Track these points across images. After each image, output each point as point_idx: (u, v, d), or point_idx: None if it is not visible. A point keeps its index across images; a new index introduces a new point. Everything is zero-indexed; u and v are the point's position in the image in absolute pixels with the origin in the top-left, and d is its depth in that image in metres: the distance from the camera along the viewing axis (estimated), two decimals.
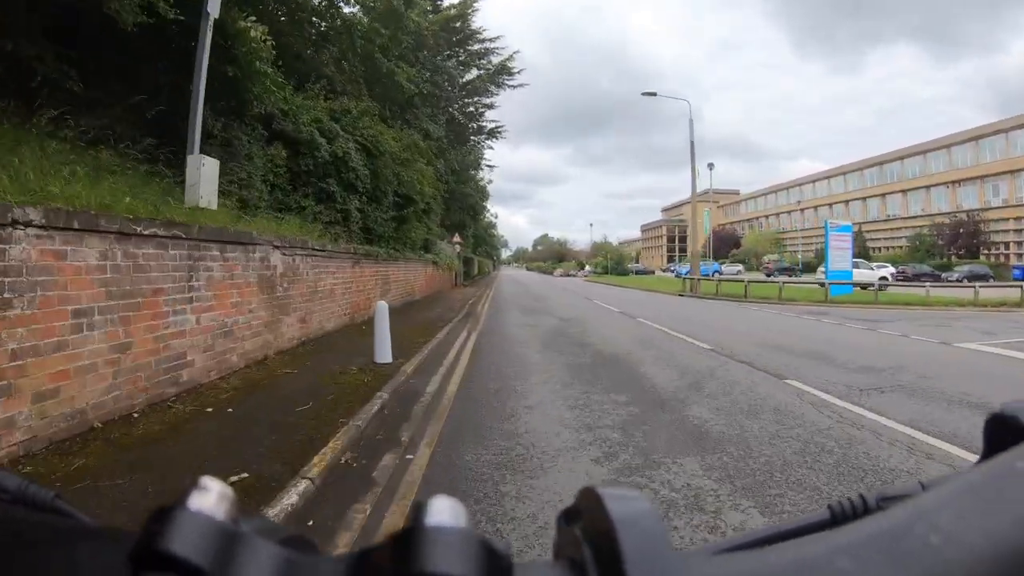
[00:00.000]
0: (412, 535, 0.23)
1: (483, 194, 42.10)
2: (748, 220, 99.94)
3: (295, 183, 11.27)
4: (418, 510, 0.25)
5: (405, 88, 19.26)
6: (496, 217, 72.14)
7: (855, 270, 34.48)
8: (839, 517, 0.41)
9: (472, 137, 32.12)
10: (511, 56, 28.88)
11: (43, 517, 0.40)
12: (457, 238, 31.82)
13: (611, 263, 69.30)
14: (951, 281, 33.13)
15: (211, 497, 0.25)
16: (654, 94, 27.93)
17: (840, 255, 23.73)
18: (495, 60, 29.19)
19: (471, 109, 30.77)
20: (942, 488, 0.28)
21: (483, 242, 69.98)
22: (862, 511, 0.41)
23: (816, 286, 23.55)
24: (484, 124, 31.36)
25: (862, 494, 0.41)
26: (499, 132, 31.96)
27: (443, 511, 0.24)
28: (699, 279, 25.86)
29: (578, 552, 0.26)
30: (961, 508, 0.26)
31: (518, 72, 29.32)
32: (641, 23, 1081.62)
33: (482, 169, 40.54)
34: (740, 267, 68.47)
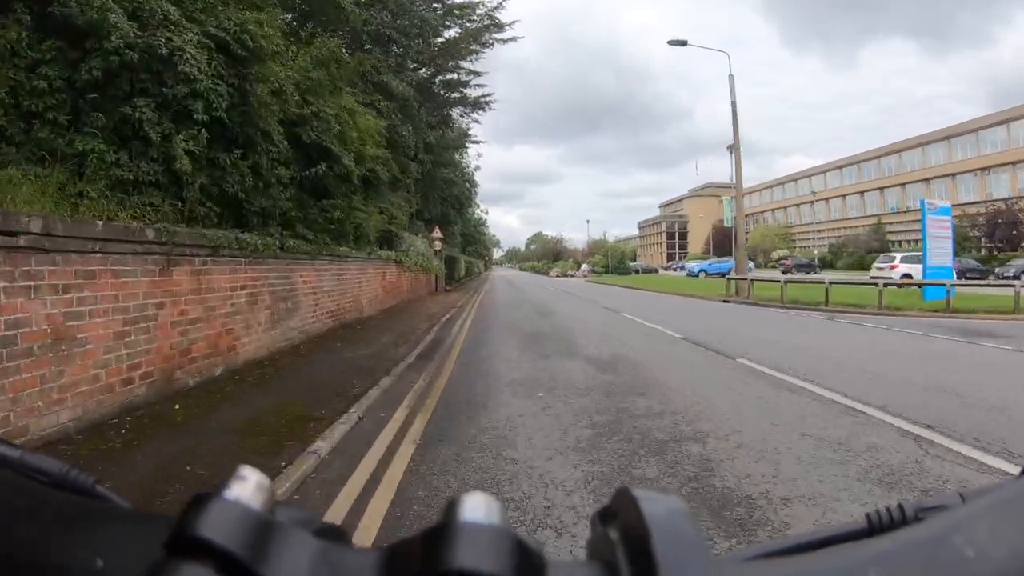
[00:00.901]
0: (446, 531, 0.23)
1: (470, 183, 35.96)
2: (751, 214, 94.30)
3: (79, 108, 5.33)
4: (452, 506, 0.25)
5: (347, 10, 13.11)
6: (487, 213, 66.05)
7: (916, 265, 28.76)
8: (876, 527, 0.40)
9: (452, 110, 25.99)
10: (500, 4, 22.80)
11: (82, 500, 0.41)
12: (438, 233, 25.75)
13: (613, 262, 63.31)
14: (1007, 277, 27.11)
15: (249, 487, 0.25)
16: (684, 43, 21.88)
17: (940, 246, 17.76)
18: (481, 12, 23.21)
19: (452, 76, 24.68)
20: (980, 501, 0.28)
21: (473, 240, 63.71)
22: (900, 521, 0.40)
23: (899, 288, 17.52)
24: (468, 92, 25.25)
25: (901, 504, 0.40)
26: (486, 102, 25.83)
27: (478, 508, 0.24)
28: (750, 280, 19.71)
29: (612, 554, 0.25)
30: (998, 523, 0.26)
31: (509, 25, 23.27)
32: (635, 20, 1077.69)
33: (467, 152, 34.47)
34: (751, 264, 62.83)
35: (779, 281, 17.89)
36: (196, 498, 0.24)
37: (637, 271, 64.92)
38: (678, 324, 11.93)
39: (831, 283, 16.87)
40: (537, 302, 20.27)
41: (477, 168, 37.23)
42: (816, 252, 69.09)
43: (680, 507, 0.25)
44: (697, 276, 45.51)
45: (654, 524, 0.24)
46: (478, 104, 25.86)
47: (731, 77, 21.15)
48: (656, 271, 68.59)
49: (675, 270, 76.22)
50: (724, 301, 19.25)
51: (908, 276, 25.76)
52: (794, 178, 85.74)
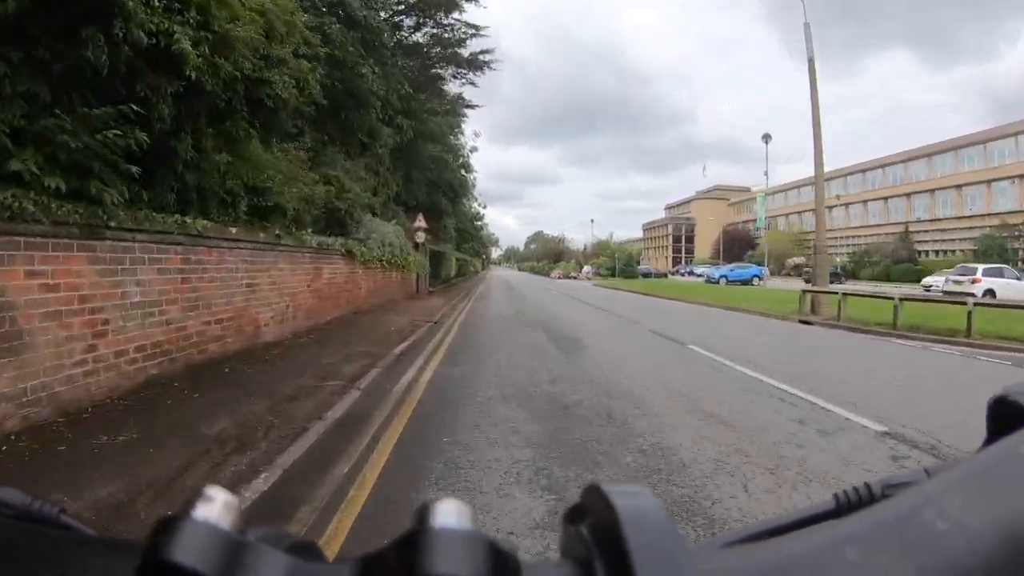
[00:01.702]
0: (418, 538, 0.23)
1: (465, 168, 30.68)
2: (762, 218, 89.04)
3: None
4: (424, 512, 0.24)
5: None
6: (484, 207, 60.66)
7: (999, 279, 23.55)
8: (844, 506, 0.40)
9: (443, 69, 20.66)
10: None
11: (49, 531, 0.40)
12: (422, 222, 20.52)
13: (619, 264, 57.98)
14: None
15: (216, 506, 0.25)
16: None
17: None
18: None
19: (448, 34, 19.46)
20: (947, 475, 0.28)
21: (469, 237, 58.34)
22: (868, 499, 0.40)
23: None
24: (461, 51, 20.00)
25: (867, 483, 0.40)
26: (485, 62, 20.53)
27: (449, 513, 0.24)
28: (841, 295, 14.28)
29: (585, 551, 0.25)
30: (966, 494, 0.26)
31: None
32: (634, 23, 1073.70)
33: (461, 133, 29.22)
34: (764, 271, 57.62)
35: (897, 299, 12.39)
36: (164, 521, 0.23)
37: (650, 274, 59.72)
38: (815, 379, 6.63)
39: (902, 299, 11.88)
40: (547, 317, 14.81)
41: (474, 150, 31.98)
42: (838, 260, 63.97)
43: (651, 500, 0.25)
44: (717, 283, 40.30)
45: (626, 518, 0.24)
46: (474, 64, 20.56)
47: (806, 25, 15.79)
48: (665, 275, 63.36)
49: (683, 274, 71.03)
50: (803, 322, 13.97)
51: (991, 293, 20.77)
52: (809, 182, 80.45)
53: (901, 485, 0.38)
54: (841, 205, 76.65)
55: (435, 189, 26.82)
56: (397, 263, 16.03)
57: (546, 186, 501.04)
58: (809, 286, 15.49)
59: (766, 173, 34.55)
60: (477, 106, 21.48)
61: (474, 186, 52.34)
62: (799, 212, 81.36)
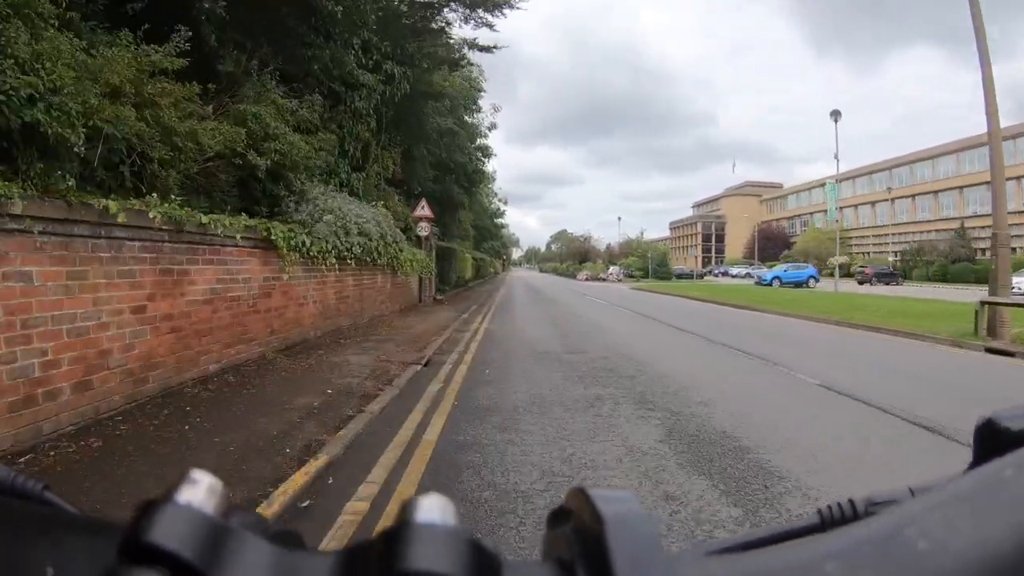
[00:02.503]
0: (401, 532, 0.23)
1: (482, 151, 25.59)
2: (798, 215, 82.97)
3: None
4: (408, 507, 0.24)
5: None
6: (505, 203, 55.58)
7: None
8: (828, 522, 0.40)
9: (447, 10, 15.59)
10: None
11: (31, 508, 0.39)
12: (425, 210, 15.57)
13: (653, 264, 52.43)
14: None
15: (200, 490, 0.24)
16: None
17: None
18: None
19: None
20: (931, 495, 0.28)
21: (489, 235, 53.29)
22: (851, 516, 0.39)
23: None
24: None
25: (851, 499, 0.40)
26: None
27: (433, 509, 0.24)
28: None
29: (568, 552, 0.25)
30: (950, 515, 0.26)
31: None
32: (656, 24, 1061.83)
33: (477, 107, 24.14)
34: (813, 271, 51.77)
35: None
36: (147, 504, 0.23)
37: (687, 275, 54.21)
38: None
39: None
40: (611, 346, 9.61)
41: (493, 128, 26.54)
42: (890, 259, 57.85)
43: (634, 504, 0.25)
44: (770, 285, 34.85)
45: (608, 521, 0.24)
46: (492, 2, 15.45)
47: None
48: (701, 276, 57.71)
49: (716, 275, 65.23)
50: (989, 350, 8.72)
51: None
52: (850, 175, 74.24)
53: (885, 503, 0.38)
54: (884, 200, 70.43)
55: (445, 173, 21.77)
56: (382, 262, 11.07)
57: (567, 187, 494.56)
58: (990, 297, 10.15)
59: (836, 156, 28.88)
60: (494, 48, 16.12)
61: (493, 179, 47.28)
62: (855, 205, 74.97)
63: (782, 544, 0.28)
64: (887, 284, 41.98)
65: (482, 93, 23.87)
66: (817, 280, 37.53)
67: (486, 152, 25.58)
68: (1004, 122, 11.66)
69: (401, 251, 12.28)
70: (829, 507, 0.40)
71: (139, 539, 0.22)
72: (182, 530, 0.22)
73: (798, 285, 34.70)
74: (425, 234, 15.68)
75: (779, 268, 38.10)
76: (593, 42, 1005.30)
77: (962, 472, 0.32)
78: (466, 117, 23.33)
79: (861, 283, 41.80)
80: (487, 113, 25.39)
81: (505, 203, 52.92)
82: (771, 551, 0.26)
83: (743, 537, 0.36)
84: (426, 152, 17.42)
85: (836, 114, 28.26)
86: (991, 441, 0.35)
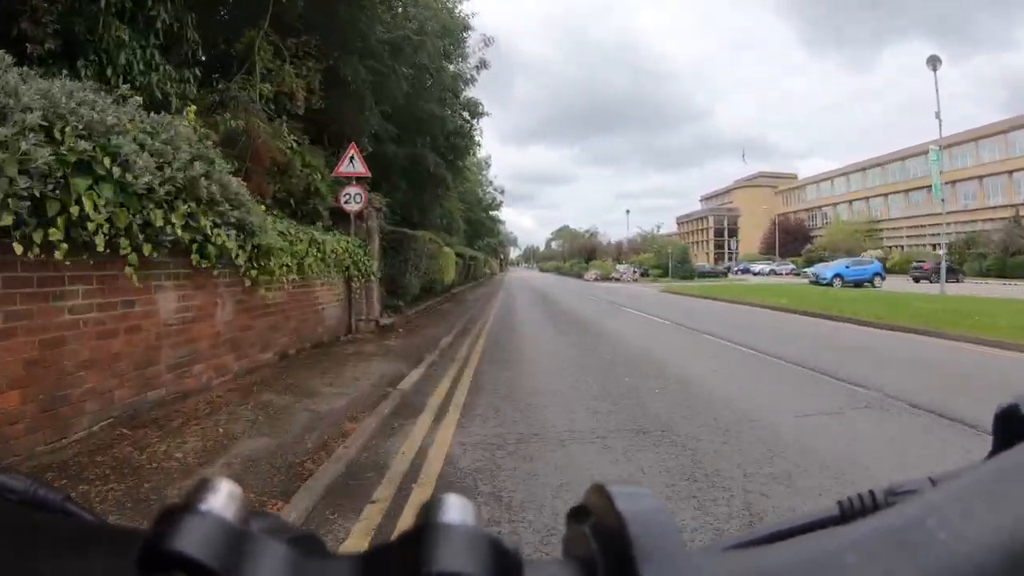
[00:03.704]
0: (423, 534, 0.22)
1: (469, 109, 18.49)
2: (819, 207, 76.02)
3: None
4: (429, 508, 0.24)
5: None
6: (502, 193, 48.62)
7: None
8: (848, 513, 0.39)
9: None
10: None
11: (52, 517, 0.39)
12: (356, 165, 8.69)
13: (673, 261, 45.25)
14: None
15: (220, 497, 0.24)
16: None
17: None
18: None
19: None
20: (951, 484, 0.28)
21: (484, 230, 46.11)
22: (871, 507, 0.39)
23: None
24: None
25: (872, 490, 0.39)
26: None
27: (454, 509, 0.23)
28: None
29: (588, 550, 0.25)
30: (970, 504, 0.25)
31: None
32: (651, 22, 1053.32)
33: (466, 40, 16.97)
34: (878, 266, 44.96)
35: None
36: (167, 510, 0.23)
37: (716, 273, 47.44)
38: None
39: None
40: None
41: (482, 68, 18.50)
42: (941, 252, 50.86)
43: (654, 501, 0.25)
44: (830, 284, 28.01)
45: (629, 519, 0.23)
46: None
47: None
48: (724, 274, 50.76)
49: (736, 272, 58.10)
50: None
51: None
52: (880, 162, 67.25)
53: (905, 493, 0.38)
54: (917, 189, 63.51)
55: (413, 130, 14.76)
56: (218, 252, 4.21)
57: (562, 186, 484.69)
58: None
59: (938, 115, 21.88)
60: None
61: (488, 164, 40.14)
62: (866, 198, 67.82)
63: (801, 537, 0.27)
64: (948, 280, 35.38)
65: (468, 33, 16.75)
66: (883, 278, 30.65)
67: (474, 110, 18.48)
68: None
69: (295, 237, 5.35)
70: (849, 499, 0.39)
71: (160, 547, 0.21)
72: (203, 536, 0.22)
73: (858, 284, 27.90)
74: (357, 207, 8.67)
75: (837, 264, 31.17)
76: (592, 41, 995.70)
77: (982, 460, 0.32)
78: (449, 65, 16.30)
79: (917, 280, 35.11)
80: (475, 49, 18.06)
81: (502, 193, 46.00)
82: (791, 543, 0.26)
83: (762, 531, 0.36)
84: (369, 78, 10.37)
85: (934, 60, 21.28)
86: (1013, 427, 0.34)
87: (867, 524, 0.25)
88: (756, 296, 19.34)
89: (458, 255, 21.71)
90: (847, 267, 29.67)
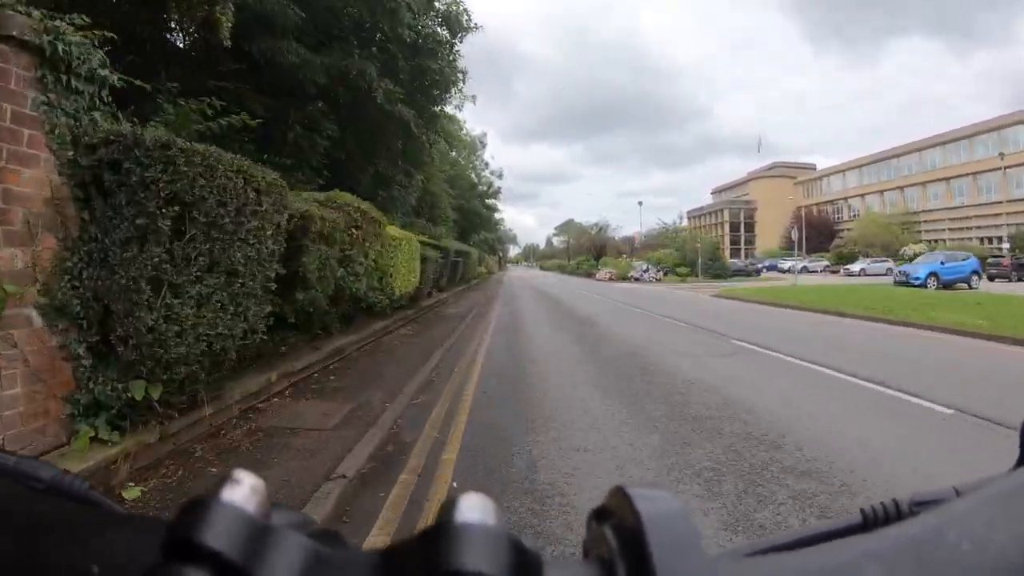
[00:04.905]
0: (442, 532, 0.22)
1: (451, 65, 11.93)
2: (844, 199, 69.46)
3: None
4: (448, 507, 0.24)
5: None
6: (501, 177, 42.05)
7: None
8: (871, 522, 0.39)
9: None
10: None
11: (77, 506, 0.40)
12: None
13: (704, 258, 38.46)
14: None
15: (243, 489, 0.24)
16: None
17: None
18: None
19: None
20: (975, 494, 0.27)
21: (479, 223, 39.28)
22: (895, 516, 0.38)
23: None
24: None
25: (895, 499, 0.39)
26: None
27: (474, 508, 0.23)
28: None
29: (608, 552, 0.24)
30: (993, 515, 0.25)
31: None
32: (654, 20, 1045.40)
33: None
34: (893, 264, 38.31)
35: None
36: (191, 501, 0.23)
37: (749, 271, 40.92)
38: None
39: None
40: None
41: (472, 26, 12.58)
42: (1003, 245, 44.10)
43: (675, 504, 0.24)
44: (924, 285, 21.51)
45: (649, 521, 0.23)
46: None
47: None
48: (758, 273, 44.07)
49: (759, 270, 51.33)
50: None
51: None
52: (918, 147, 60.58)
53: (929, 503, 0.37)
54: (945, 180, 56.97)
55: (335, 18, 8.14)
56: None
57: (563, 184, 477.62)
58: None
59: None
60: None
61: (484, 143, 33.47)
62: (899, 188, 61.14)
63: (823, 545, 0.26)
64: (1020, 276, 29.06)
65: None
66: (980, 277, 24.09)
67: (456, 22, 11.75)
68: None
69: None
70: (872, 507, 0.39)
71: (183, 537, 0.21)
72: (225, 528, 0.22)
73: (947, 286, 21.43)
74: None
75: (929, 260, 24.49)
76: (592, 41, 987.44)
77: (1008, 471, 0.31)
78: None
79: (992, 279, 28.69)
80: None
81: (500, 177, 39.31)
82: (809, 552, 0.25)
83: (784, 537, 0.35)
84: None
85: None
86: None
87: (889, 534, 0.25)
88: (863, 305, 12.75)
89: (438, 248, 14.97)
90: (942, 263, 23.01)
